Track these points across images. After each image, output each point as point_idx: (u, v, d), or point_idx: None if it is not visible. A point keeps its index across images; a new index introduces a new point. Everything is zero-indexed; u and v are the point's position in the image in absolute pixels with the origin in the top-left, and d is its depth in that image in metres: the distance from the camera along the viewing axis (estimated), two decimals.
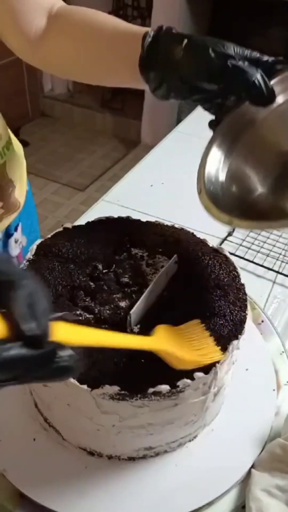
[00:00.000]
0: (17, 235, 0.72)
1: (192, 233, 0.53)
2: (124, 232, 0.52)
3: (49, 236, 0.51)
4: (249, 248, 0.76)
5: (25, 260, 0.49)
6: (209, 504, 0.44)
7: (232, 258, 0.50)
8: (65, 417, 0.43)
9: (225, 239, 0.77)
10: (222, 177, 0.43)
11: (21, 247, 0.73)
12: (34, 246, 0.50)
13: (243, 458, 0.46)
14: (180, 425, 0.43)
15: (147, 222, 0.54)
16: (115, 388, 0.37)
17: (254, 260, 0.74)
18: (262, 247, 0.77)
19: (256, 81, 0.40)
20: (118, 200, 0.83)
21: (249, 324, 0.56)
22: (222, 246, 0.69)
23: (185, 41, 0.41)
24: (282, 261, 0.74)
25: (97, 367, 0.38)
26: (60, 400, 0.41)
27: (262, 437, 0.48)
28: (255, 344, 0.57)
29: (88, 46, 0.49)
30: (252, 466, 0.46)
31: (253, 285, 0.69)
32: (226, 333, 0.41)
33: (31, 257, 0.49)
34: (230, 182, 0.43)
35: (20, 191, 0.68)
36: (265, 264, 0.73)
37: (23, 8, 0.51)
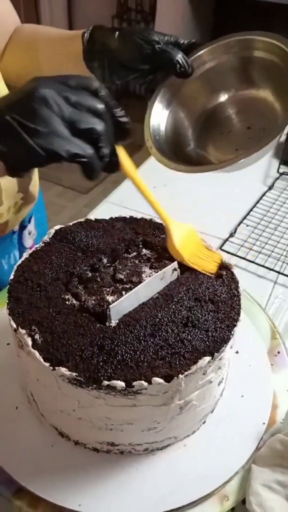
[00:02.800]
0: (30, 227, 0.80)
1: (208, 246, 0.54)
2: (140, 232, 0.55)
3: (70, 224, 0.56)
4: (250, 249, 0.78)
5: (42, 242, 0.54)
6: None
7: (234, 258, 0.51)
8: (38, 392, 0.48)
9: (227, 239, 0.80)
10: (164, 133, 0.57)
11: (33, 238, 0.80)
12: (52, 230, 0.55)
13: (215, 472, 0.47)
14: (142, 429, 0.45)
15: (160, 225, 0.56)
16: (73, 374, 0.40)
17: (256, 261, 0.76)
18: (263, 247, 0.79)
19: (180, 60, 0.53)
20: (121, 201, 0.89)
21: (261, 352, 0.57)
22: (224, 246, 0.76)
23: (117, 33, 0.54)
24: (284, 262, 0.76)
25: (65, 350, 0.41)
26: (32, 374, 0.45)
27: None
28: (258, 370, 0.56)
29: (39, 53, 0.63)
30: (253, 462, 0.47)
31: (255, 285, 0.71)
32: (202, 348, 0.42)
33: (48, 239, 0.54)
34: (170, 135, 0.57)
35: (35, 184, 0.75)
36: (266, 265, 0.75)
37: None
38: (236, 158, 0.48)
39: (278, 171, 0.99)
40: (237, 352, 0.57)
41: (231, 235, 0.81)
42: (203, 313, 0.45)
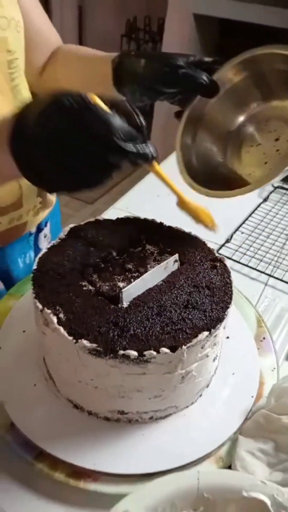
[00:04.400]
0: (46, 230, 0.89)
1: (204, 242, 0.63)
2: (143, 230, 0.64)
3: (82, 223, 0.65)
4: (244, 254, 0.88)
5: (58, 238, 0.62)
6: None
7: (229, 261, 0.60)
8: (58, 367, 0.56)
9: (223, 245, 0.90)
10: (194, 159, 0.62)
11: (48, 241, 0.89)
12: (67, 228, 0.64)
13: (209, 438, 0.55)
14: (149, 396, 0.53)
15: (166, 226, 0.66)
16: (93, 345, 0.48)
17: (249, 264, 0.86)
18: (256, 253, 0.89)
19: (203, 81, 0.58)
20: (127, 207, 0.98)
21: (248, 338, 0.66)
22: (221, 250, 0.85)
23: (143, 60, 0.61)
24: (274, 266, 0.86)
25: (85, 327, 0.50)
26: (53, 349, 0.53)
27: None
28: (247, 354, 0.65)
29: (74, 73, 0.73)
30: (240, 433, 0.56)
31: (247, 286, 0.81)
32: (201, 325, 0.51)
33: (63, 236, 0.63)
34: (200, 160, 0.62)
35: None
36: (258, 268, 0.85)
37: (36, 47, 0.74)
38: (263, 178, 0.54)
39: (272, 185, 1.10)
40: (228, 337, 0.66)
41: (227, 241, 0.91)
42: (201, 297, 0.54)
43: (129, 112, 0.45)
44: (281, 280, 0.83)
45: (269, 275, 0.84)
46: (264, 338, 0.68)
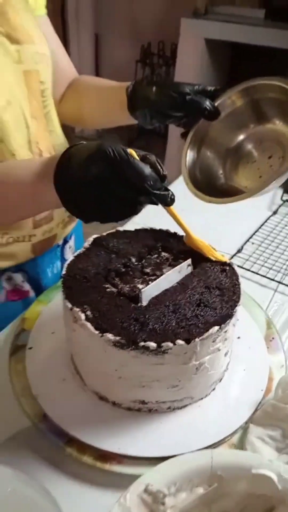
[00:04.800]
0: (71, 242, 0.98)
1: (214, 249, 0.70)
2: (159, 239, 0.71)
3: (104, 234, 0.72)
4: (254, 263, 0.95)
5: (83, 247, 0.70)
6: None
7: (240, 270, 0.66)
8: (85, 361, 0.63)
9: (234, 255, 0.96)
10: (197, 169, 0.73)
11: (72, 252, 0.97)
12: (91, 239, 0.71)
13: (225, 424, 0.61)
14: (167, 386, 0.59)
15: (179, 235, 0.73)
16: (116, 338, 0.55)
17: (259, 272, 0.92)
18: (266, 262, 0.96)
19: (207, 106, 0.68)
20: (144, 221, 1.04)
21: (258, 338, 0.72)
22: (232, 260, 0.90)
23: (154, 87, 0.71)
24: (283, 274, 0.92)
25: (109, 322, 0.57)
26: (81, 343, 0.60)
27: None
28: (257, 352, 0.71)
29: (93, 101, 0.83)
30: (251, 422, 0.62)
31: (258, 292, 0.87)
32: (212, 321, 0.58)
33: (87, 245, 0.70)
34: (203, 173, 0.73)
35: None
36: (268, 275, 0.91)
37: (56, 79, 0.83)
38: (257, 188, 0.63)
39: (281, 198, 1.17)
40: (239, 337, 0.72)
41: (239, 251, 0.98)
42: (212, 296, 0.61)
43: (155, 165, 0.54)
44: None
45: (279, 282, 0.90)
46: (273, 338, 0.74)
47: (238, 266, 0.92)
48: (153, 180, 0.52)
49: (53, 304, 0.81)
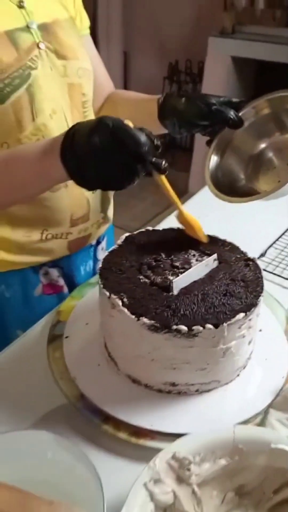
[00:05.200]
0: (103, 243, 1.06)
1: (237, 246, 0.77)
2: (186, 238, 0.77)
3: (135, 232, 0.79)
4: (277, 266, 1.00)
5: (116, 244, 0.77)
6: None
7: (263, 272, 0.72)
8: (120, 346, 0.69)
9: (258, 258, 1.01)
10: (220, 173, 0.80)
11: (104, 253, 1.04)
12: (123, 237, 0.78)
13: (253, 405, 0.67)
14: (196, 368, 0.65)
15: (208, 237, 0.79)
16: (151, 321, 0.61)
17: (281, 275, 0.97)
18: None
19: (231, 116, 0.74)
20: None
21: (279, 331, 0.77)
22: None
23: (183, 98, 0.78)
24: None
25: (144, 308, 0.63)
26: (117, 328, 0.67)
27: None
28: (278, 344, 0.77)
29: (127, 111, 0.90)
30: (271, 406, 0.67)
31: (279, 293, 0.91)
32: (238, 309, 0.64)
33: (120, 243, 0.77)
34: (224, 176, 0.80)
35: (111, 209, 1.01)
36: None
37: (95, 93, 0.92)
38: (273, 188, 0.70)
39: None
40: (260, 330, 0.77)
41: (262, 255, 1.03)
42: (237, 287, 0.67)
43: (150, 134, 0.61)
44: None
45: None
46: None
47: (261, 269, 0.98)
48: (149, 147, 0.59)
49: (85, 299, 0.88)
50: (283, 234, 1.11)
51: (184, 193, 2.97)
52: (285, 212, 1.21)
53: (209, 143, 0.81)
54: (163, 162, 0.62)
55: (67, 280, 0.98)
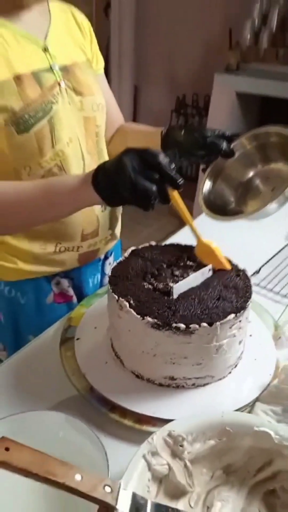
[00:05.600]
0: (111, 259, 1.17)
1: (230, 259, 0.87)
2: (184, 251, 0.88)
3: (140, 247, 0.90)
4: (269, 282, 1.11)
5: (122, 256, 0.87)
6: None
7: (256, 287, 0.82)
8: (126, 343, 0.79)
9: (252, 275, 1.11)
10: (212, 196, 0.90)
11: (111, 268, 1.16)
12: (129, 250, 0.89)
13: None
14: (192, 363, 0.75)
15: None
16: (154, 320, 0.71)
17: (273, 289, 1.08)
18: (279, 281, 1.11)
19: (224, 147, 0.87)
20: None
21: (268, 336, 0.87)
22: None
23: (183, 130, 0.91)
24: None
25: (148, 310, 0.73)
26: (124, 327, 0.77)
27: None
28: (266, 347, 0.86)
29: (135, 141, 1.00)
30: (257, 400, 0.76)
31: (270, 305, 1.01)
32: (229, 310, 0.74)
33: (127, 255, 0.88)
34: (216, 199, 0.90)
35: (119, 227, 1.14)
36: (281, 292, 1.07)
37: (107, 125, 1.04)
38: (253, 210, 0.82)
39: None
40: (251, 335, 0.87)
41: (256, 272, 1.13)
42: (229, 293, 0.77)
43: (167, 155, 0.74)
44: None
45: None
46: (279, 337, 0.89)
47: (255, 284, 1.08)
48: (166, 162, 0.71)
49: (94, 307, 0.99)
50: (275, 255, 1.22)
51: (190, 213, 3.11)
52: (278, 236, 1.32)
53: (204, 170, 0.94)
54: (180, 179, 0.73)
55: (76, 290, 1.09)
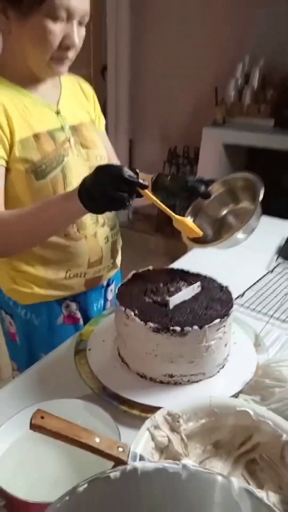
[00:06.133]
0: (112, 286, 1.37)
1: (214, 279, 1.06)
2: (177, 274, 1.07)
3: (140, 270, 1.08)
4: (252, 303, 1.29)
5: (126, 279, 1.06)
6: None
7: (241, 308, 1.00)
8: (131, 347, 0.95)
9: (237, 298, 1.29)
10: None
11: (112, 294, 1.35)
12: (131, 273, 1.07)
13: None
14: (186, 362, 0.91)
15: (193, 273, 1.08)
16: (155, 325, 0.89)
17: (255, 309, 1.26)
18: (261, 302, 1.29)
19: (202, 190, 1.06)
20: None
21: (250, 344, 1.04)
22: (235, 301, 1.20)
23: (169, 177, 1.07)
24: (274, 311, 1.25)
25: (150, 316, 0.91)
26: (130, 333, 0.94)
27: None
28: (248, 352, 1.03)
29: None
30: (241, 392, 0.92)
31: (252, 321, 1.19)
32: (215, 316, 0.91)
33: (130, 277, 1.06)
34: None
35: (119, 258, 1.33)
36: (262, 311, 1.25)
37: None
38: (220, 240, 1.03)
39: (276, 260, 1.53)
40: (235, 342, 1.04)
41: (241, 295, 1.32)
42: (215, 304, 0.95)
43: (134, 170, 0.93)
44: (277, 319, 1.23)
45: (270, 316, 1.23)
46: (260, 345, 1.06)
47: (239, 304, 1.26)
48: (130, 174, 0.87)
49: (101, 325, 1.16)
50: (256, 281, 1.41)
51: (184, 253, 3.30)
52: (260, 266, 1.52)
53: (186, 208, 1.14)
54: (142, 181, 0.88)
55: (83, 313, 1.28)
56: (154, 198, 0.98)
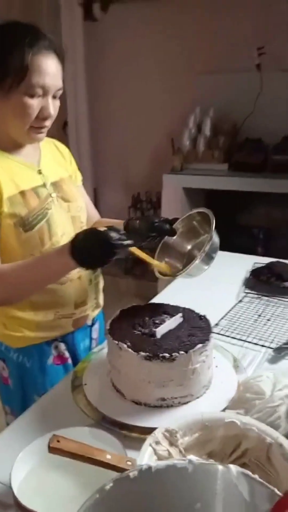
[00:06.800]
0: (96, 325, 1.48)
1: (193, 310, 1.19)
2: (160, 308, 1.20)
3: (125, 308, 1.20)
4: (227, 330, 1.43)
5: (115, 315, 1.17)
6: None
7: (218, 336, 1.13)
8: (125, 376, 1.06)
9: (213, 326, 1.41)
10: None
11: (97, 332, 1.47)
12: (118, 311, 1.19)
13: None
14: (176, 385, 1.02)
15: (173, 306, 1.21)
16: (146, 353, 1.00)
17: (230, 336, 1.40)
18: (235, 329, 1.43)
19: (167, 229, 1.19)
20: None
21: (229, 366, 1.17)
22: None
23: (138, 221, 1.20)
24: (247, 337, 1.39)
25: (140, 347, 1.02)
26: (124, 364, 1.05)
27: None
28: (229, 373, 1.15)
29: None
30: (226, 408, 1.03)
31: (230, 347, 1.32)
32: (197, 342, 1.03)
33: (117, 314, 1.18)
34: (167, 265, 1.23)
35: (101, 298, 1.47)
36: (236, 337, 1.39)
37: (88, 220, 1.43)
38: (180, 271, 1.17)
39: (244, 291, 1.68)
40: (217, 366, 1.16)
41: (216, 324, 1.45)
42: (196, 331, 1.08)
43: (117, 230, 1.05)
44: (250, 342, 1.36)
45: (244, 341, 1.36)
46: (238, 366, 1.18)
47: (216, 333, 1.39)
48: (116, 237, 1.00)
49: (93, 361, 1.25)
50: (229, 311, 1.55)
51: (155, 293, 3.42)
52: (231, 297, 1.66)
53: (155, 246, 1.28)
54: (127, 243, 1.02)
55: (71, 353, 1.39)
56: (139, 251, 1.12)
